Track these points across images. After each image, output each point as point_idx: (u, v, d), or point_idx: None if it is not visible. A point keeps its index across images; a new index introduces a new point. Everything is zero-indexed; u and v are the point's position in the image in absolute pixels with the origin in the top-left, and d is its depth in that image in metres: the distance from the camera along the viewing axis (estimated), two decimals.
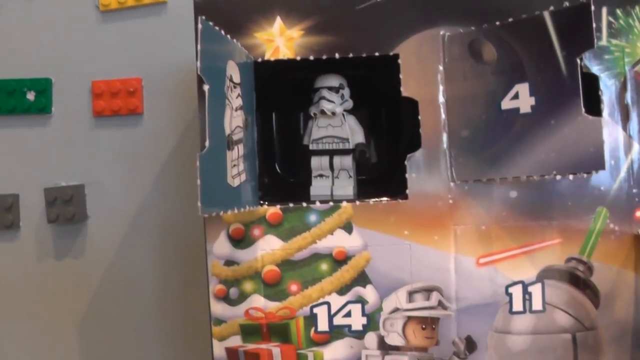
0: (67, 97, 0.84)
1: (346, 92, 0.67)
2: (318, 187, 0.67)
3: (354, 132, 0.67)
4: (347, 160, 0.67)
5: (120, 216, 0.83)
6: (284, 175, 0.73)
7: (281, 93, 0.70)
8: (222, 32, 0.52)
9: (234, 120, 0.52)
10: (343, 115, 0.67)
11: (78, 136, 0.84)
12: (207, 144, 0.48)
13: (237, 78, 0.54)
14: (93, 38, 0.84)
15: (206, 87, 0.47)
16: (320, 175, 0.68)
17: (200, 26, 0.47)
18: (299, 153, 0.69)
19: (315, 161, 0.67)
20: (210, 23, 0.49)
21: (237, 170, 0.53)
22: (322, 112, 0.66)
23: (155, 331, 0.83)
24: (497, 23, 0.60)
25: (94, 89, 0.84)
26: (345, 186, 0.67)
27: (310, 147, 0.67)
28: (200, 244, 0.79)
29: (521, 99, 0.59)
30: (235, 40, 0.57)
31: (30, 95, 0.85)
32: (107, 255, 0.84)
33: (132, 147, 0.83)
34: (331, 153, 0.67)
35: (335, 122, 0.67)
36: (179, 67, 0.82)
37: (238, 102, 0.54)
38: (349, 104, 0.67)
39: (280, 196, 0.64)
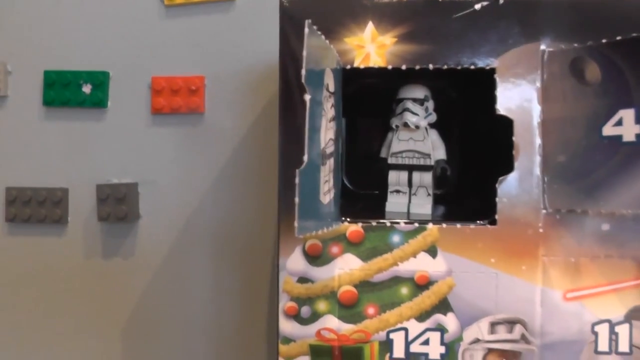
0: (125, 92, 0.81)
1: (430, 104, 0.64)
2: (394, 204, 0.64)
3: (435, 148, 0.64)
4: (427, 177, 0.64)
5: (174, 218, 0.80)
6: (353, 189, 0.69)
7: (350, 99, 0.66)
8: (323, 37, 0.49)
9: (328, 132, 0.49)
10: (426, 129, 0.63)
11: (134, 133, 0.81)
12: (305, 158, 0.44)
13: (332, 87, 0.50)
14: (156, 33, 0.81)
15: (307, 97, 0.44)
16: (397, 191, 0.64)
17: (307, 30, 0.44)
18: (369, 165, 0.66)
19: (393, 176, 0.64)
20: (315, 27, 0.46)
21: (328, 186, 0.50)
22: (406, 125, 0.62)
23: (205, 343, 0.80)
24: (604, 41, 0.56)
25: (153, 85, 0.81)
26: (424, 204, 0.64)
27: (389, 161, 0.64)
28: (261, 255, 0.77)
29: (625, 125, 0.55)
30: (332, 46, 0.53)
31: (87, 88, 0.82)
32: (158, 258, 0.81)
33: (190, 147, 0.80)
34: (410, 168, 0.63)
35: (417, 135, 0.63)
36: (245, 67, 0.79)
37: (332, 112, 0.50)
38: (433, 117, 0.64)
39: (350, 211, 0.60)
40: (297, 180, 0.42)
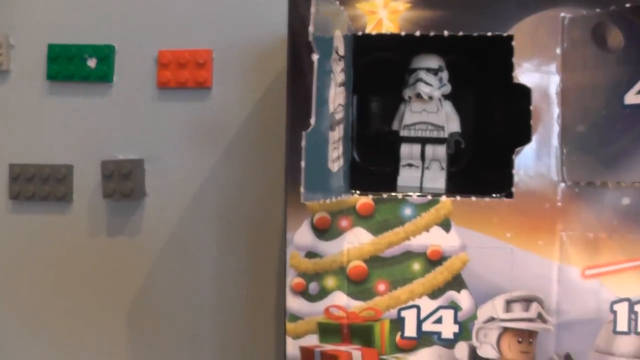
0: (131, 66, 0.80)
1: (445, 75, 0.61)
2: (406, 178, 0.62)
3: (450, 120, 0.61)
4: (441, 150, 0.61)
5: (181, 195, 0.78)
6: (362, 163, 0.67)
7: (361, 72, 0.64)
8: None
9: (337, 97, 0.46)
10: (440, 100, 0.61)
11: (140, 108, 0.79)
12: (312, 121, 0.42)
13: (342, 50, 0.48)
14: (161, 4, 0.79)
15: (315, 57, 0.42)
16: (410, 165, 0.62)
17: None
18: (379, 139, 0.63)
19: (405, 149, 0.62)
20: None
21: (337, 153, 0.47)
22: (419, 96, 0.60)
23: (212, 321, 0.78)
24: (627, 5, 0.53)
25: (160, 58, 0.79)
26: (437, 178, 0.61)
27: (401, 134, 0.61)
28: (269, 230, 0.75)
29: None
30: (342, 8, 0.51)
31: (91, 62, 0.80)
32: (164, 235, 0.79)
33: (198, 122, 0.78)
34: (423, 141, 0.61)
35: (430, 107, 0.61)
36: (254, 40, 0.77)
37: (341, 77, 0.48)
38: (448, 88, 0.61)
39: (360, 186, 0.58)
40: (303, 143, 0.40)
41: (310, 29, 0.40)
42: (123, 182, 0.78)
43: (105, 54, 0.80)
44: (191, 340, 0.79)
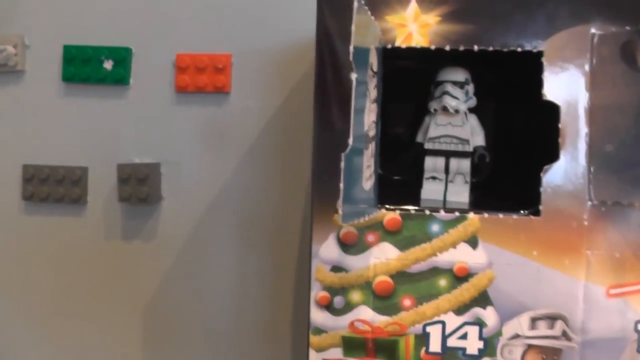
0: (148, 69, 0.79)
1: (471, 88, 0.61)
2: (430, 191, 0.61)
3: (474, 133, 0.61)
4: (465, 164, 0.61)
5: (198, 201, 0.78)
6: (384, 174, 0.67)
7: (386, 81, 0.63)
8: (369, 12, 0.46)
9: (371, 114, 0.46)
10: (465, 114, 0.60)
11: (157, 111, 0.79)
12: (350, 141, 0.41)
13: (375, 66, 0.48)
14: (180, 8, 0.78)
15: (354, 76, 0.41)
16: (433, 178, 0.62)
17: (355, 3, 0.41)
18: (402, 150, 0.63)
19: (429, 162, 0.61)
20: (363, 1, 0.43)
21: (369, 171, 0.47)
22: (445, 109, 0.59)
23: (228, 329, 0.78)
24: None
25: (178, 62, 0.78)
26: (461, 192, 0.61)
27: (425, 146, 0.61)
28: (285, 236, 0.75)
29: None
30: (373, 19, 0.50)
31: (108, 65, 0.79)
32: (180, 241, 0.78)
33: (215, 127, 0.77)
34: (448, 154, 0.61)
35: (456, 120, 0.61)
36: (273, 46, 0.76)
37: (374, 93, 0.48)
38: (473, 101, 0.61)
39: (383, 196, 0.57)
40: (342, 164, 0.40)
41: (351, 47, 0.40)
42: (139, 186, 0.77)
43: (122, 57, 0.79)
44: (206, 347, 0.79)
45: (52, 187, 0.81)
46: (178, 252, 0.79)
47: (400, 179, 0.66)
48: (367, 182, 0.47)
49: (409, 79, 0.63)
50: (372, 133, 0.47)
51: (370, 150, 0.48)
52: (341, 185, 0.40)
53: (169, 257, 0.79)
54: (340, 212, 0.41)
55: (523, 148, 0.65)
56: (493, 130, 0.66)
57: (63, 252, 0.80)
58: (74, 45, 0.80)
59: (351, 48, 0.40)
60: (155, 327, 0.79)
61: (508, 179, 0.65)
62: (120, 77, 0.80)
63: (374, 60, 0.47)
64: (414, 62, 0.61)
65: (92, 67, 0.80)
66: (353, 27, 0.40)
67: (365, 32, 0.45)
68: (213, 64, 0.77)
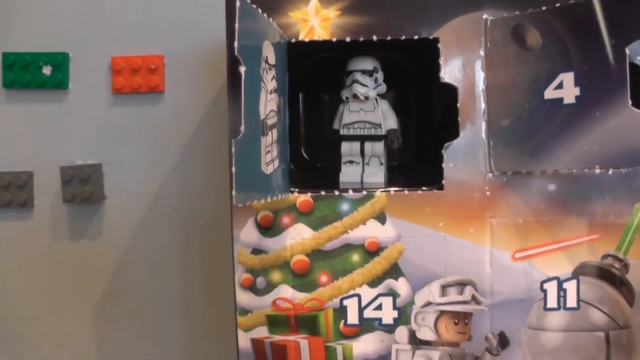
0: (85, 72, 0.82)
1: (380, 75, 0.64)
2: (348, 174, 0.65)
3: (386, 118, 0.65)
4: (379, 147, 0.65)
5: (139, 198, 0.81)
6: (310, 161, 0.70)
7: (308, 74, 0.67)
8: (259, 10, 0.49)
9: (269, 104, 0.50)
10: (376, 99, 0.64)
11: (96, 113, 0.82)
12: (242, 129, 0.45)
13: (272, 59, 0.51)
14: (113, 12, 0.81)
15: (242, 69, 0.45)
16: (351, 162, 0.65)
17: (238, 3, 0.44)
18: (327, 137, 0.67)
19: (345, 147, 0.65)
20: (248, 0, 0.46)
21: (270, 156, 0.51)
22: (355, 97, 0.63)
23: (175, 319, 0.81)
24: (544, 8, 0.57)
25: (113, 65, 0.81)
26: (376, 173, 0.65)
27: (341, 132, 0.65)
28: (223, 229, 0.77)
29: (565, 88, 0.57)
30: (270, 19, 0.54)
31: (47, 70, 0.82)
32: (125, 238, 0.82)
33: (152, 126, 0.81)
34: (362, 139, 0.65)
35: (367, 106, 0.64)
36: (203, 45, 0.79)
37: (273, 84, 0.51)
38: (383, 88, 0.65)
39: (307, 182, 0.61)
40: (232, 150, 0.43)
41: (236, 44, 0.43)
42: (82, 186, 0.80)
43: (60, 62, 0.82)
44: (156, 337, 0.82)
45: None
46: (124, 248, 0.82)
47: (324, 165, 0.70)
48: (268, 166, 0.51)
49: (332, 71, 0.67)
50: (271, 121, 0.51)
51: (270, 137, 0.51)
52: (233, 169, 0.44)
53: (115, 253, 0.82)
54: (233, 193, 0.44)
55: (435, 128, 0.69)
56: (409, 114, 0.70)
57: (12, 255, 0.83)
58: (13, 52, 0.82)
59: (235, 44, 0.44)
60: (107, 321, 0.82)
61: (423, 159, 0.69)
62: (59, 82, 0.82)
63: (269, 53, 0.51)
64: (336, 55, 0.64)
65: (32, 73, 0.82)
66: (236, 26, 0.44)
67: (256, 28, 0.49)
68: (146, 65, 0.80)
